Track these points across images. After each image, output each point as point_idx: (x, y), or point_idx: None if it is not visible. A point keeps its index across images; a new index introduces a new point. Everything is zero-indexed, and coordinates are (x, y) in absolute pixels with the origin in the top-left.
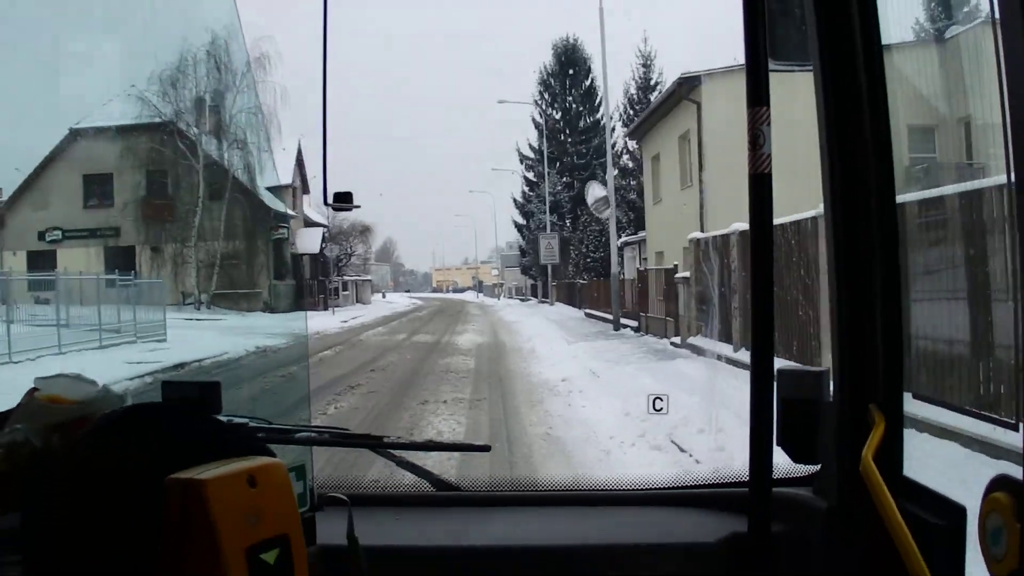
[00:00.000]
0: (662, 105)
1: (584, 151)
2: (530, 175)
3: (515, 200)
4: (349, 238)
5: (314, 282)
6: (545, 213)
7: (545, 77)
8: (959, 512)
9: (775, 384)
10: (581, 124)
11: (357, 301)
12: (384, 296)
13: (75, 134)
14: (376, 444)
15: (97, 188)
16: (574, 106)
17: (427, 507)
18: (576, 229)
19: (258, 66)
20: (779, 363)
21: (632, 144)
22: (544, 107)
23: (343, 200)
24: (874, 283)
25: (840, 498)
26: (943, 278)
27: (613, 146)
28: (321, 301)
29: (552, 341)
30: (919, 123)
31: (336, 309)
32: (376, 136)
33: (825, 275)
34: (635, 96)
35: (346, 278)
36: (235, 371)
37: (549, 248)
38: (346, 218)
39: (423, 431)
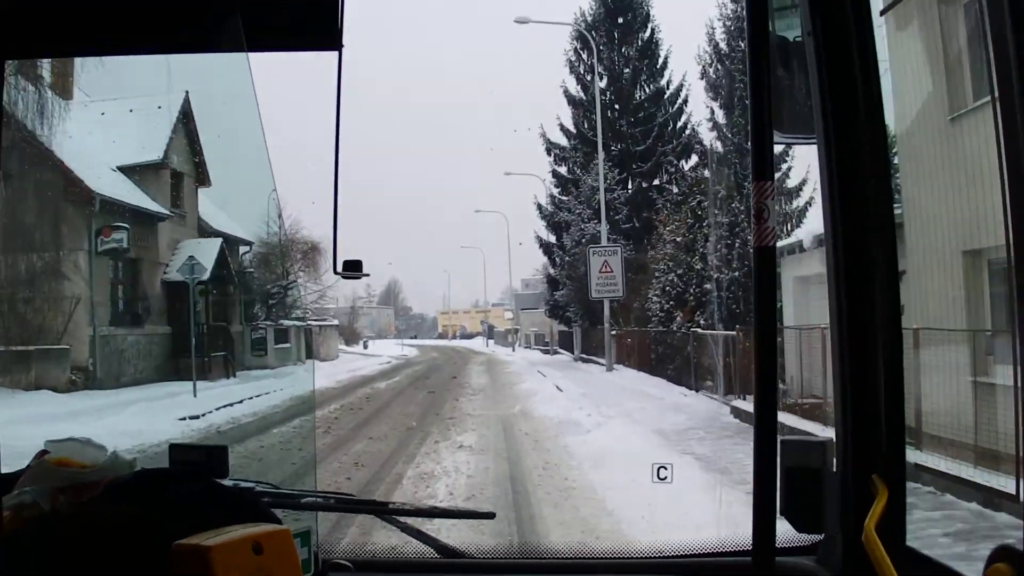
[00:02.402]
0: None
1: (644, 132)
2: (562, 170)
3: (540, 207)
4: (285, 261)
5: (215, 329)
6: (600, 208)
7: (583, 29)
8: None
9: (779, 454)
10: (638, 95)
11: (308, 357)
12: (366, 347)
13: None
14: (381, 510)
15: None
16: (626, 70)
17: (431, 574)
18: (648, 243)
19: None
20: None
21: (720, 112)
22: (583, 71)
23: (352, 269)
24: (877, 356)
25: (844, 568)
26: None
27: (682, 128)
28: (214, 364)
29: None
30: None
31: (245, 374)
32: (373, 162)
33: None
34: (722, 46)
35: (286, 323)
36: None
37: (607, 271)
38: (298, 227)
39: None
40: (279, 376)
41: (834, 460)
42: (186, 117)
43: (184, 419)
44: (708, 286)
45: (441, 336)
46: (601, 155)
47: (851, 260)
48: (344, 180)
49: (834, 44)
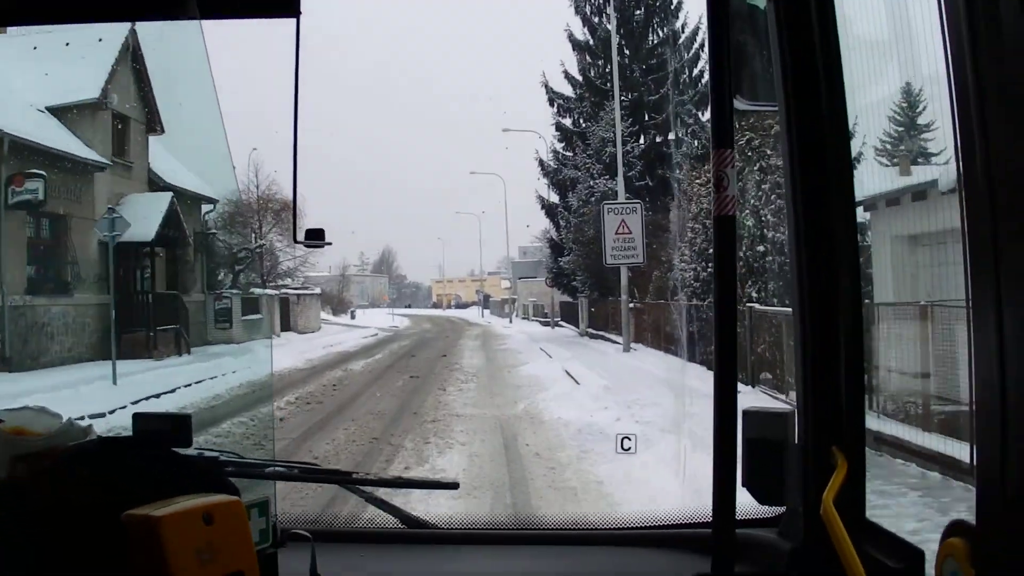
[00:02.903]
0: None
1: (658, 80)
2: (567, 122)
3: (542, 163)
4: (259, 224)
5: (164, 298)
6: (616, 162)
7: None
8: (918, 556)
9: (740, 425)
10: (651, 39)
11: (287, 329)
12: (353, 317)
13: None
14: (345, 480)
15: None
16: (637, 12)
17: (394, 545)
18: (671, 198)
19: None
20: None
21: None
22: (590, 12)
23: (315, 237)
24: (838, 328)
25: (804, 540)
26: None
27: (699, 75)
28: (162, 340)
29: None
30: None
31: (202, 351)
32: (359, 123)
33: None
34: None
35: (257, 291)
36: None
37: (625, 232)
38: (275, 187)
39: None
40: (239, 354)
41: (796, 432)
42: (132, 53)
43: (83, 419)
44: (761, 248)
45: (435, 305)
46: (618, 97)
47: (812, 230)
48: (332, 145)
49: (796, 10)
